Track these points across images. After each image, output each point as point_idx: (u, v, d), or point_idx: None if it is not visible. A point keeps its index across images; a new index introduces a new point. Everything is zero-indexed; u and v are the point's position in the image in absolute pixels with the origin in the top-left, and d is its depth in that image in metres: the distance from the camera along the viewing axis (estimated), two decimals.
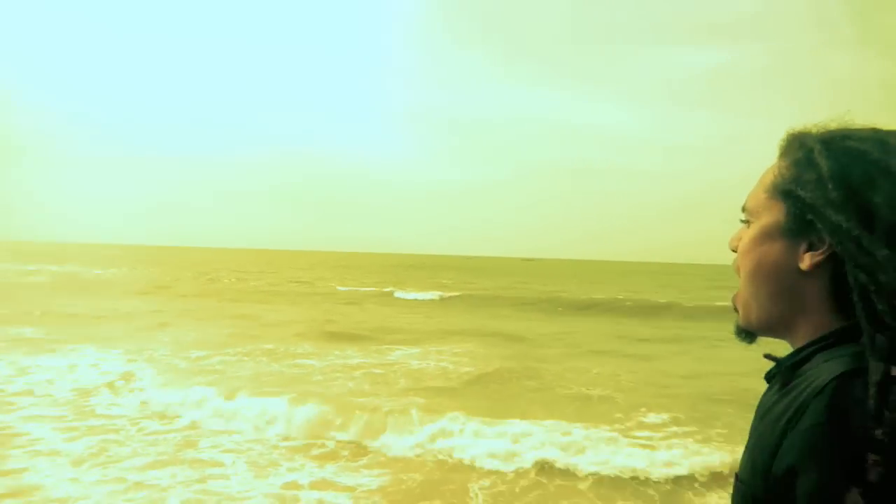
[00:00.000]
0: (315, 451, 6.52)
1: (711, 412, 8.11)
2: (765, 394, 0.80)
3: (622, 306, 24.16)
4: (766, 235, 0.79)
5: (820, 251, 0.74)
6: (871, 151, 0.72)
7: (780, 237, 0.78)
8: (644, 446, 6.56)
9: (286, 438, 6.88)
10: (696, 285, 46.56)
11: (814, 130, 0.80)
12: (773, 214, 0.79)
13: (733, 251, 0.86)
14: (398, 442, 6.63)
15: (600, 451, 6.31)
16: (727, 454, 6.19)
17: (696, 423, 7.63)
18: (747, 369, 11.61)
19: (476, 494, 5.50)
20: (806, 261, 0.75)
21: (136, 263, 54.29)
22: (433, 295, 27.64)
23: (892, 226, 0.68)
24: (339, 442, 6.77)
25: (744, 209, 0.85)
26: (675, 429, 7.41)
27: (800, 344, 0.77)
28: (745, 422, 0.81)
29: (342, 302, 24.71)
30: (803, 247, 0.76)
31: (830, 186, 0.72)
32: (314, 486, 5.58)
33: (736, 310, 0.85)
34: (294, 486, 5.55)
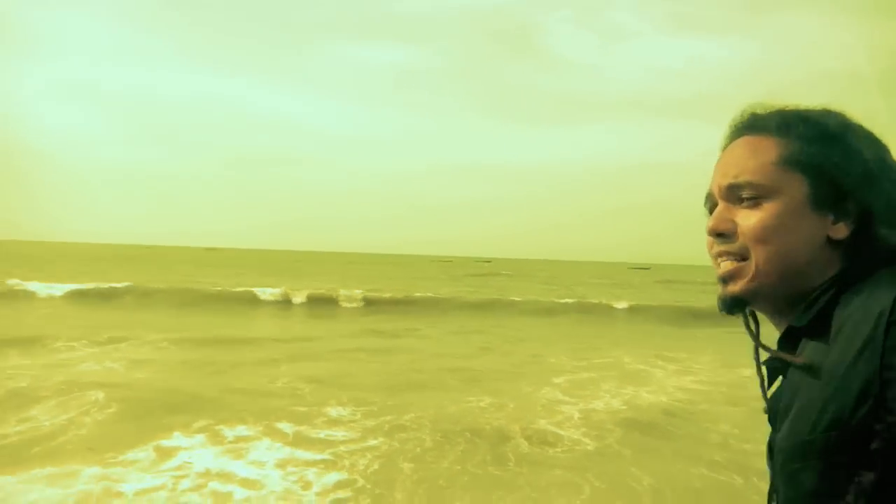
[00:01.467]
0: None
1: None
2: (784, 380, 0.82)
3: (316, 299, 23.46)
4: (797, 209, 0.80)
5: (850, 220, 0.79)
6: (866, 132, 0.83)
7: (808, 210, 0.80)
8: None
9: None
10: (392, 275, 48.72)
11: (791, 108, 0.85)
12: (798, 188, 0.80)
13: (720, 235, 0.84)
14: None
15: None
16: None
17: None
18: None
19: None
20: (842, 231, 0.80)
21: None
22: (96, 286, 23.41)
23: None
24: None
25: (738, 186, 0.82)
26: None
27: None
28: None
29: None
30: (831, 218, 0.80)
31: (866, 159, 0.79)
32: None
33: (725, 281, 0.84)
34: None
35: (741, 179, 0.82)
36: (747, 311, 0.87)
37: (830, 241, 0.79)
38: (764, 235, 0.80)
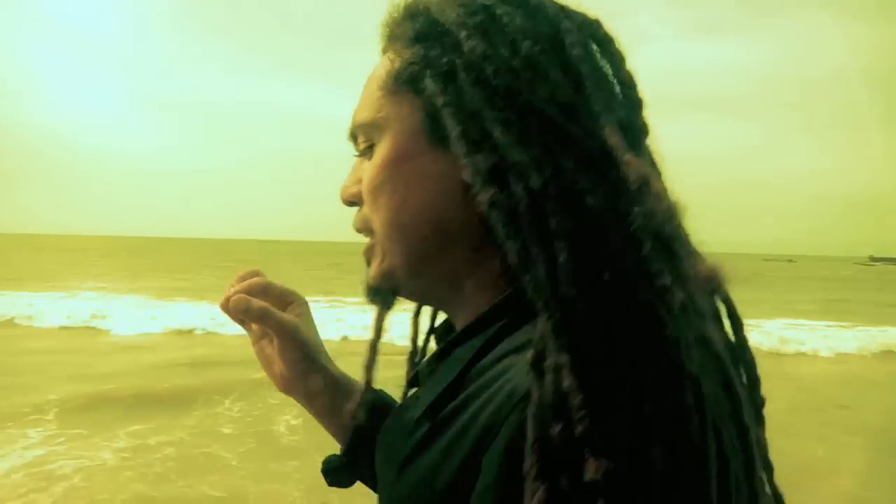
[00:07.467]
0: None
1: None
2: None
3: None
4: (404, 148, 0.52)
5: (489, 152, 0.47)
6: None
7: (425, 144, 0.51)
8: None
9: None
10: None
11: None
12: (407, 116, 0.51)
13: (352, 203, 0.57)
14: None
15: None
16: None
17: None
18: None
19: None
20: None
21: None
22: None
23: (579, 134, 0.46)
24: None
25: (352, 135, 0.56)
26: None
27: (469, 309, 0.53)
28: None
29: None
30: (462, 150, 0.48)
31: (516, 55, 0.47)
32: None
33: (368, 263, 0.57)
34: None
35: (353, 123, 0.56)
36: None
37: (466, 186, 0.48)
38: (372, 195, 0.53)
